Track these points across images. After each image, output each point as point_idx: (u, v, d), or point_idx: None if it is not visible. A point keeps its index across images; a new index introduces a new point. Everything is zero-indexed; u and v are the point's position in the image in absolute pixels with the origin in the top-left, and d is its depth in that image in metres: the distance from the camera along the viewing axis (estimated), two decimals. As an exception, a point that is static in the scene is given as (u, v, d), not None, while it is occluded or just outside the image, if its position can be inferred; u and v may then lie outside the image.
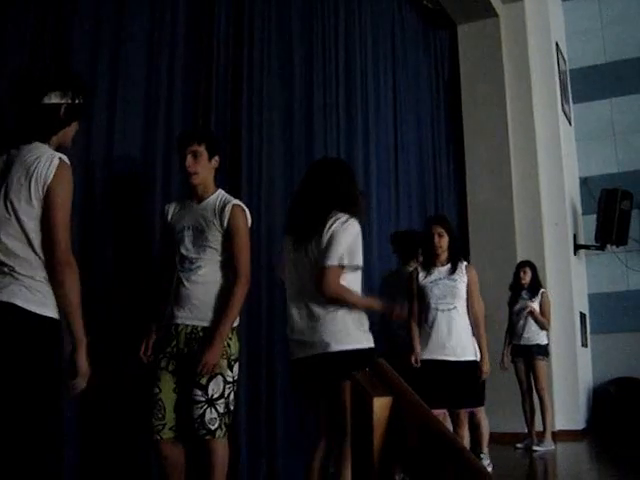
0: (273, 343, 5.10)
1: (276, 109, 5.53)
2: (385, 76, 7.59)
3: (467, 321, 5.12)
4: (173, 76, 4.60)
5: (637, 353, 9.54)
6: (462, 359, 5.04)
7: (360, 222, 3.63)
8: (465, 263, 5.35)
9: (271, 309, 5.11)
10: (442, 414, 4.96)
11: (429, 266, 5.25)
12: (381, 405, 1.45)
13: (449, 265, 5.19)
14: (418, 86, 8.47)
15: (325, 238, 3.52)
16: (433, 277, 5.19)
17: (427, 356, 5.09)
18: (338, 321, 3.53)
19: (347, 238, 3.52)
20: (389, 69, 7.72)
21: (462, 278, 5.16)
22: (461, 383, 5.02)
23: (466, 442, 5.26)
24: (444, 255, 5.21)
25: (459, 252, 5.37)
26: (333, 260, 3.48)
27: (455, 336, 5.05)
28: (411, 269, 5.58)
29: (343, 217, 3.57)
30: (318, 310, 3.55)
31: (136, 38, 4.34)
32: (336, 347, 3.49)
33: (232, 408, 3.65)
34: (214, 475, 3.53)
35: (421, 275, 5.26)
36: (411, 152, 8.00)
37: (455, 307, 5.08)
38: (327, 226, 3.54)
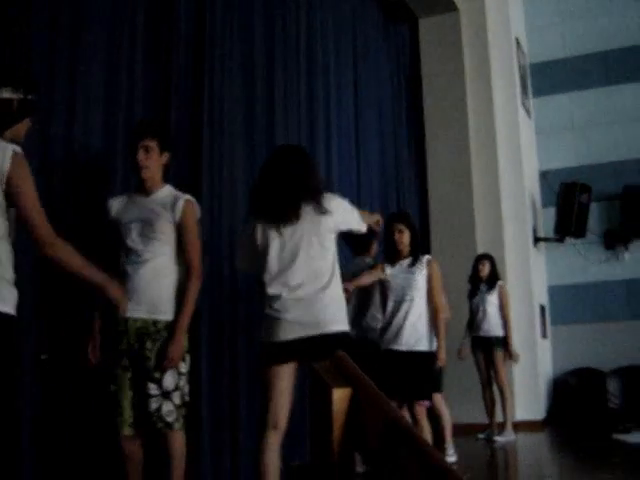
0: (235, 340, 5.10)
1: (237, 103, 5.51)
2: (346, 70, 7.59)
3: (425, 313, 5.20)
4: (133, 72, 4.56)
5: (596, 344, 9.70)
6: (415, 349, 5.12)
7: None
8: (428, 257, 5.42)
9: (234, 305, 5.11)
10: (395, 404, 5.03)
11: (392, 261, 5.34)
12: (340, 396, 1.46)
13: (410, 259, 5.27)
14: (379, 80, 8.49)
15: (337, 216, 3.64)
16: (394, 271, 5.29)
17: (384, 346, 5.18)
18: (333, 301, 3.57)
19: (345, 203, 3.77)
20: (350, 62, 7.73)
21: (422, 271, 5.25)
22: (413, 374, 5.10)
23: (427, 433, 5.31)
24: (406, 250, 5.31)
25: (420, 246, 5.45)
26: (361, 221, 3.85)
27: (410, 327, 5.14)
28: (368, 260, 5.64)
29: (329, 194, 3.71)
30: (310, 290, 3.53)
31: (96, 35, 4.29)
32: (334, 327, 3.52)
33: (187, 399, 3.66)
34: (173, 467, 3.56)
35: (386, 269, 5.34)
36: (372, 146, 8.01)
37: (412, 299, 5.18)
38: (326, 204, 3.61)
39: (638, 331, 9.56)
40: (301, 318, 3.49)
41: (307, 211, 3.59)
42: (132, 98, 4.53)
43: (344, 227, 3.73)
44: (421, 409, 5.21)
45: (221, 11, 5.42)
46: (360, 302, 5.67)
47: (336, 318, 3.55)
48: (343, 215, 3.70)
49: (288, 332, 3.50)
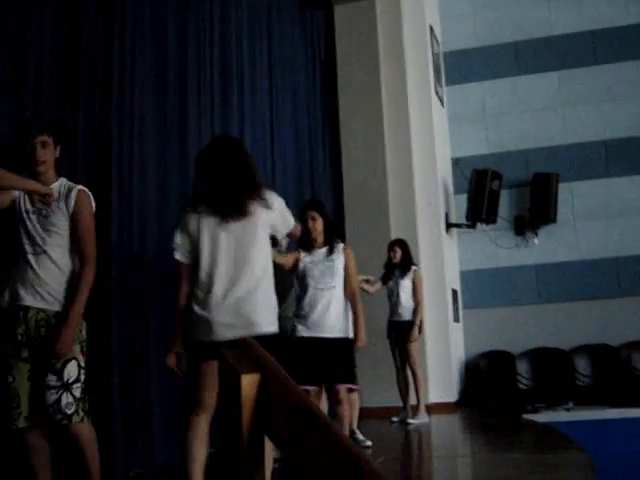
0: (147, 328, 5.07)
1: (148, 93, 5.44)
2: (261, 56, 7.56)
3: (343, 299, 5.26)
4: (41, 70, 4.48)
5: (506, 327, 9.97)
6: (338, 336, 5.19)
7: None
8: (342, 244, 5.48)
9: (144, 301, 5.08)
10: (317, 390, 5.08)
11: (307, 249, 5.36)
12: (249, 382, 1.47)
13: (327, 247, 5.32)
14: (294, 67, 8.48)
15: (277, 213, 3.67)
16: (313, 258, 5.31)
17: (306, 334, 5.20)
18: (265, 301, 3.57)
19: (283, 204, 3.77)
20: (265, 49, 7.69)
21: (339, 258, 5.30)
22: (339, 360, 5.16)
23: (347, 418, 5.38)
24: (320, 238, 5.34)
25: (335, 234, 5.50)
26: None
27: (332, 314, 5.19)
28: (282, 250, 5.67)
29: (269, 191, 3.70)
30: (243, 290, 3.52)
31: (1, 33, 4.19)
32: (265, 329, 3.51)
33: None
34: (87, 458, 3.55)
35: (303, 256, 5.35)
36: (287, 132, 8.01)
37: (333, 286, 5.24)
38: (270, 200, 3.64)
39: (546, 314, 9.87)
40: (232, 319, 3.49)
41: (252, 205, 3.58)
42: (39, 96, 4.46)
43: (281, 228, 3.74)
44: (344, 395, 5.28)
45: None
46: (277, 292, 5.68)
47: (268, 319, 3.56)
48: (282, 215, 3.72)
49: (219, 333, 3.48)
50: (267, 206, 3.61)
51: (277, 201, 3.70)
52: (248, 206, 3.56)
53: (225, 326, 3.49)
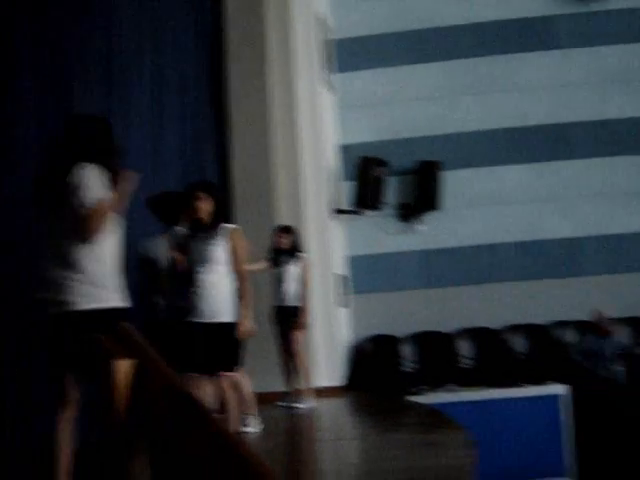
0: (21, 323, 4.93)
1: (28, 79, 5.24)
2: (146, 40, 7.38)
3: (226, 283, 5.21)
4: None
5: (392, 311, 10.17)
6: (216, 320, 5.14)
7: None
8: (232, 227, 5.43)
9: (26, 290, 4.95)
10: (199, 377, 5.02)
11: (194, 230, 5.30)
12: (123, 367, 1.44)
13: (210, 230, 5.26)
14: (182, 51, 8.34)
15: (79, 185, 3.46)
16: (196, 240, 5.25)
17: (191, 319, 5.16)
18: (82, 281, 3.42)
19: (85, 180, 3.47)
20: (151, 32, 7.52)
21: (223, 241, 5.24)
22: (217, 345, 5.12)
23: (233, 406, 5.33)
24: (207, 219, 5.27)
25: (222, 215, 5.42)
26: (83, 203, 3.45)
27: (211, 298, 5.15)
28: (185, 229, 5.58)
29: (83, 166, 3.50)
30: (69, 270, 3.43)
31: None
32: (86, 305, 3.30)
33: None
34: None
35: (188, 239, 5.30)
36: (173, 119, 7.86)
37: (213, 269, 5.18)
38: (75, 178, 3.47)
39: (430, 299, 10.14)
40: (52, 296, 3.42)
41: (66, 191, 3.49)
42: None
43: (80, 196, 3.46)
44: (226, 381, 5.22)
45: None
46: None
47: (87, 298, 3.35)
48: (82, 186, 3.47)
49: (49, 310, 3.44)
50: (74, 183, 3.48)
51: (81, 173, 3.49)
52: (59, 195, 3.50)
53: (50, 303, 3.43)
